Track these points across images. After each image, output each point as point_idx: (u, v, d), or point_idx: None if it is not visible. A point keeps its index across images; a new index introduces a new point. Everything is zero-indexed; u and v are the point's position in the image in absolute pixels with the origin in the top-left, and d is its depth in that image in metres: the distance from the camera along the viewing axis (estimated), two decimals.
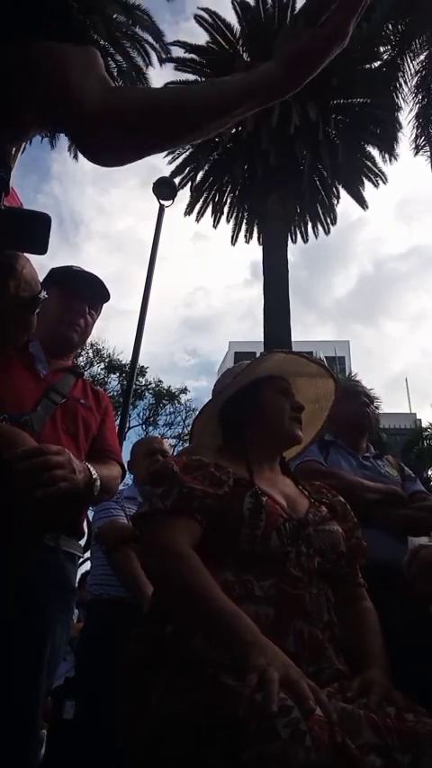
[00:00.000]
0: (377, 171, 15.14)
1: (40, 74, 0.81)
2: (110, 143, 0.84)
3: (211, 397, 1.58)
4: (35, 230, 1.12)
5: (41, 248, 1.15)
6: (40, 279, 1.25)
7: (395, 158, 14.61)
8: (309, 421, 1.57)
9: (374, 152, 14.86)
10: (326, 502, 1.43)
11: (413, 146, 13.81)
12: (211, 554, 1.19)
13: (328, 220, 16.00)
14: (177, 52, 14.56)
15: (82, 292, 1.79)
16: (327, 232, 16.20)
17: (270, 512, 1.23)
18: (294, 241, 15.92)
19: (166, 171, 15.20)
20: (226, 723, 0.88)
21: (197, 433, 1.57)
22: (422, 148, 13.70)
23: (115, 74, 14.31)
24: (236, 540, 1.19)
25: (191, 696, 0.99)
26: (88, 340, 2.28)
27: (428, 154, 13.72)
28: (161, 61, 14.37)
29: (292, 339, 13.22)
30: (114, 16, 13.56)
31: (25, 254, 1.27)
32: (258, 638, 0.98)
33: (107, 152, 0.86)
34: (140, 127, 0.84)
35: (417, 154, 13.82)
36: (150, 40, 14.07)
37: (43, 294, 1.33)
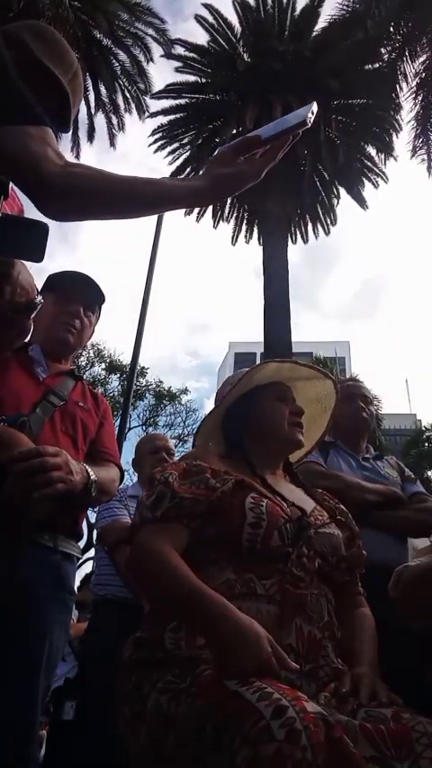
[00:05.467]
0: (377, 171, 15.14)
1: (5, 146, 0.98)
2: (59, 212, 1.05)
3: (214, 404, 1.59)
4: (33, 238, 1.13)
5: (38, 256, 1.16)
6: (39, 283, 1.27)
7: (395, 159, 14.66)
8: (312, 421, 1.58)
9: (374, 153, 14.88)
10: (328, 506, 1.44)
11: (410, 147, 13.88)
12: (212, 554, 1.22)
13: (329, 221, 16.00)
14: (178, 51, 14.56)
15: (75, 294, 1.81)
16: (327, 232, 16.21)
17: (271, 512, 1.24)
18: (294, 241, 15.94)
19: (167, 171, 15.21)
20: (222, 724, 0.88)
21: (201, 439, 1.57)
22: (419, 149, 13.76)
23: (118, 72, 14.32)
24: (238, 539, 1.20)
25: (187, 698, 0.99)
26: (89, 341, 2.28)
27: (425, 154, 13.79)
28: (167, 56, 14.35)
29: (293, 339, 13.20)
30: (118, 13, 13.56)
31: (22, 261, 1.28)
32: (225, 610, 1.02)
33: (54, 215, 1.08)
34: (87, 205, 1.04)
35: (413, 156, 13.89)
36: (153, 33, 14.08)
37: (39, 299, 1.34)
